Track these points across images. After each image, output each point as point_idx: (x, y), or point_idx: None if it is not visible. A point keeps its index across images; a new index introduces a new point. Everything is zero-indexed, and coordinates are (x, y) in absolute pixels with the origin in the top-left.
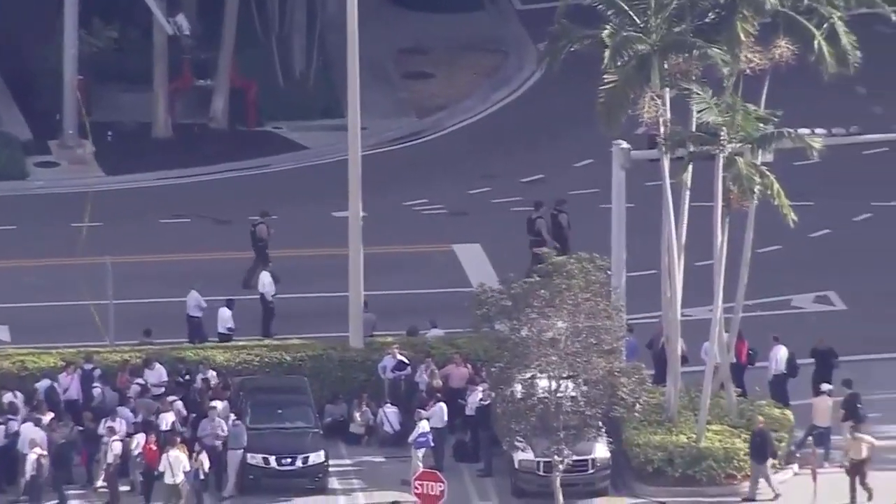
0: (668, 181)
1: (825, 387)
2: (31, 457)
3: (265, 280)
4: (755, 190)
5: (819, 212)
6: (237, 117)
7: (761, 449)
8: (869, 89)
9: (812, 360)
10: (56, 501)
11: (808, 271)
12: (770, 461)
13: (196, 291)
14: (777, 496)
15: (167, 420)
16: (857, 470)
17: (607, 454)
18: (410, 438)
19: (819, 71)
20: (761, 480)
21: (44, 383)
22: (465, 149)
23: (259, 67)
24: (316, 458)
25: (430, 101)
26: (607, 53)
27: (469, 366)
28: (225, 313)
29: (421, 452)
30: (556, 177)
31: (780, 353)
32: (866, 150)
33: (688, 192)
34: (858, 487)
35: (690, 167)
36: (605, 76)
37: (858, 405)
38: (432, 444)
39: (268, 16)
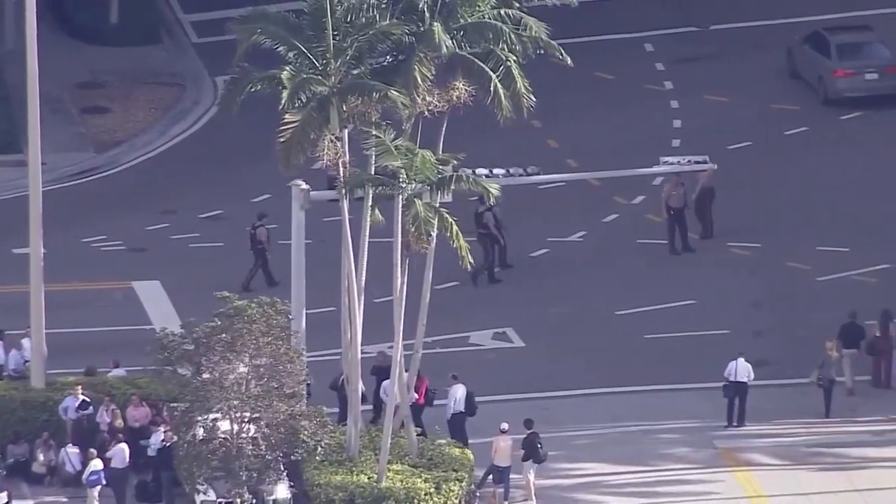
0: (346, 223)
1: (504, 426)
2: None
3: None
4: (432, 233)
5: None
6: None
7: None
8: (544, 123)
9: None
10: None
11: (486, 308)
12: None
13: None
14: None
15: None
16: None
17: (288, 495)
18: (83, 477)
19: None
20: None
21: None
22: (144, 184)
23: None
24: None
25: (108, 136)
26: (286, 95)
27: (149, 406)
28: (26, 343)
29: (96, 491)
30: (235, 212)
31: (459, 391)
32: (542, 186)
33: (367, 235)
34: None
35: (370, 207)
36: (284, 116)
37: (539, 444)
38: (104, 482)
39: None
